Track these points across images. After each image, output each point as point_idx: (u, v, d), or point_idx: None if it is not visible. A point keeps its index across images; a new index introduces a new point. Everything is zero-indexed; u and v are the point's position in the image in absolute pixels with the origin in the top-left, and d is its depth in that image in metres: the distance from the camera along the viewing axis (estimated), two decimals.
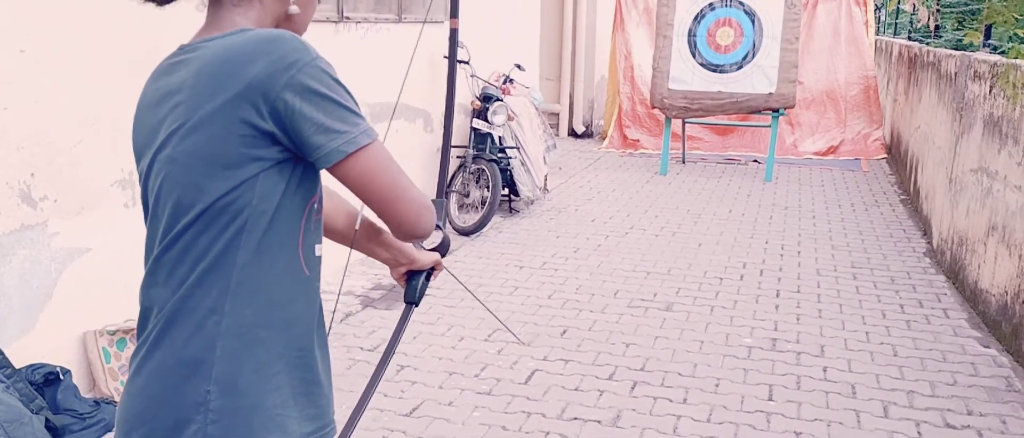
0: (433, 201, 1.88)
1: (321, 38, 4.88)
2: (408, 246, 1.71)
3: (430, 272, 1.75)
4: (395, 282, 1.76)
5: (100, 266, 3.45)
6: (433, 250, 1.77)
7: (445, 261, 1.82)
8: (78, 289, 3.36)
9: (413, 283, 1.74)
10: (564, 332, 4.28)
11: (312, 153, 1.23)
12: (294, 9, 1.34)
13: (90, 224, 3.40)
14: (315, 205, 1.35)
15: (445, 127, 1.99)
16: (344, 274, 2.25)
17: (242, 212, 1.24)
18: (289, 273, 1.31)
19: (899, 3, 13.26)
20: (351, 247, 1.63)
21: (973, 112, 5.29)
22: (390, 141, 5.81)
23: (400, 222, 1.30)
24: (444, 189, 1.91)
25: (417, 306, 1.76)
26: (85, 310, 3.40)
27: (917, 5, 8.87)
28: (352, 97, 1.26)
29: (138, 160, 1.35)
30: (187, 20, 4.06)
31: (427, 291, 1.76)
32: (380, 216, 1.30)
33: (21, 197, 3.10)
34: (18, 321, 3.15)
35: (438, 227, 1.82)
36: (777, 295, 4.92)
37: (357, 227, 1.63)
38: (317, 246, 1.38)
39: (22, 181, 3.10)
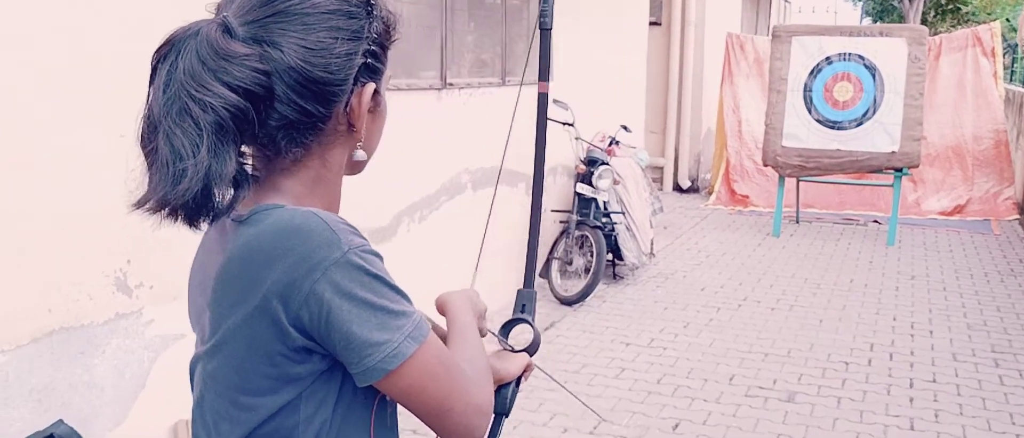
0: (521, 291, 1.62)
1: (424, 106, 4.75)
2: (494, 362, 1.46)
3: (520, 377, 1.50)
4: None
5: (192, 352, 3.34)
6: (523, 350, 1.52)
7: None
8: (170, 378, 3.25)
9: (503, 392, 1.48)
10: (676, 426, 3.97)
11: (349, 368, 1.01)
12: (361, 155, 1.11)
13: (184, 309, 3.29)
14: (387, 396, 1.13)
15: (533, 207, 1.69)
16: None
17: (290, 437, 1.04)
18: None
19: None
20: None
21: None
22: (493, 207, 5.65)
23: (450, 432, 1.07)
24: (533, 278, 1.65)
25: (507, 416, 1.52)
26: (176, 399, 3.28)
27: None
28: (394, 288, 1.01)
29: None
30: None
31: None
32: (427, 425, 1.08)
33: (117, 285, 3.01)
34: (111, 413, 3.04)
35: (528, 323, 1.57)
36: (911, 385, 4.49)
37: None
38: None
39: (118, 269, 3.01)
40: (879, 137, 7.90)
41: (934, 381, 4.56)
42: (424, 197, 4.86)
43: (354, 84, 1.06)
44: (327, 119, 1.06)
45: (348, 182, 1.19)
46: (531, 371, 1.52)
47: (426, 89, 4.79)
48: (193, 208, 0.98)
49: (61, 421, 1.23)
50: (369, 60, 1.07)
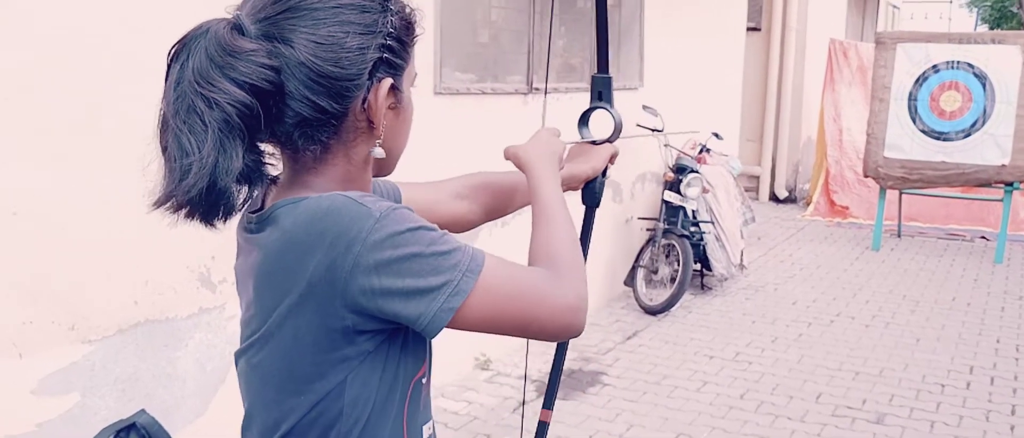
0: (595, 78, 1.59)
1: (510, 110, 4.76)
2: (577, 165, 1.49)
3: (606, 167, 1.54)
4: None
5: None
6: (605, 141, 1.52)
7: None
8: None
9: (591, 186, 1.51)
10: None
11: (414, 324, 0.99)
12: (379, 153, 1.10)
13: None
14: (422, 379, 1.13)
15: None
16: (526, 359, 2.05)
17: (334, 424, 1.05)
18: None
19: None
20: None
21: None
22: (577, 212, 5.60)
23: (547, 336, 1.06)
24: (606, 64, 1.63)
25: (598, 207, 1.56)
26: None
27: None
28: (435, 230, 1.00)
29: None
30: None
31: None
32: (523, 337, 1.06)
33: (201, 280, 3.10)
34: (192, 405, 3.14)
35: (606, 109, 1.54)
36: (1012, 412, 4.26)
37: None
38: (425, 426, 1.16)
39: (203, 264, 3.10)
40: (988, 149, 7.53)
41: None
42: None
43: (370, 80, 1.05)
44: (343, 116, 1.05)
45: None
46: (617, 156, 1.54)
47: (512, 93, 4.79)
48: (204, 206, 0.99)
49: (143, 411, 1.30)
50: (386, 55, 1.06)
